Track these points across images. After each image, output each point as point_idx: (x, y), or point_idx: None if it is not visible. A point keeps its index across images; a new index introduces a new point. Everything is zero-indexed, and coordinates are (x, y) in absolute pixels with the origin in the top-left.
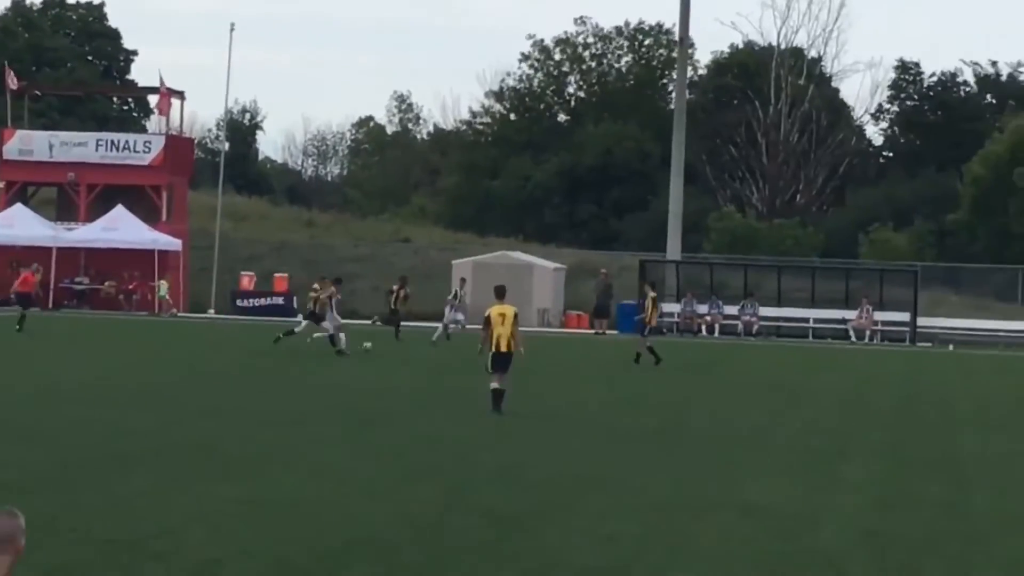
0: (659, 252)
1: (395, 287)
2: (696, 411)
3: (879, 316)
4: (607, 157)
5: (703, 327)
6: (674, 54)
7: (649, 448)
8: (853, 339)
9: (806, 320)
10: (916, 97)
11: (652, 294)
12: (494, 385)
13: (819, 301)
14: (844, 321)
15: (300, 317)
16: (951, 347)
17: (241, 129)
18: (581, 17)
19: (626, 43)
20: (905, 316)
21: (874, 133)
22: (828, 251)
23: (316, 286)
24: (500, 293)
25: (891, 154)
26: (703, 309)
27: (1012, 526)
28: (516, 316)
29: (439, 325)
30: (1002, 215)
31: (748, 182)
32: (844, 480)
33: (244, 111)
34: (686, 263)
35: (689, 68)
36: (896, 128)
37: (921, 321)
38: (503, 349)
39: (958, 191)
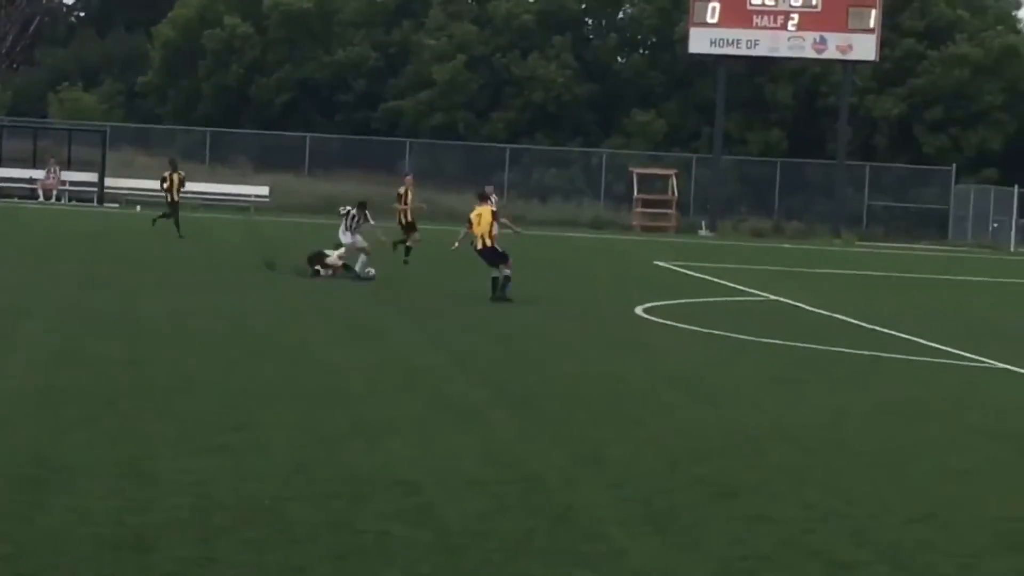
0: None
1: (167, 173)
2: None
3: (67, 176)
4: None
5: None
6: None
7: None
8: (41, 199)
9: None
10: None
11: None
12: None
13: (6, 160)
14: (32, 181)
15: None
16: (139, 208)
17: None
18: None
19: None
20: (93, 176)
21: None
22: (17, 110)
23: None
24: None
25: (82, 14)
26: None
27: (186, 385)
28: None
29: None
30: (192, 77)
31: None
32: (23, 337)
33: None
34: None
35: None
36: None
37: (109, 182)
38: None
39: (149, 53)
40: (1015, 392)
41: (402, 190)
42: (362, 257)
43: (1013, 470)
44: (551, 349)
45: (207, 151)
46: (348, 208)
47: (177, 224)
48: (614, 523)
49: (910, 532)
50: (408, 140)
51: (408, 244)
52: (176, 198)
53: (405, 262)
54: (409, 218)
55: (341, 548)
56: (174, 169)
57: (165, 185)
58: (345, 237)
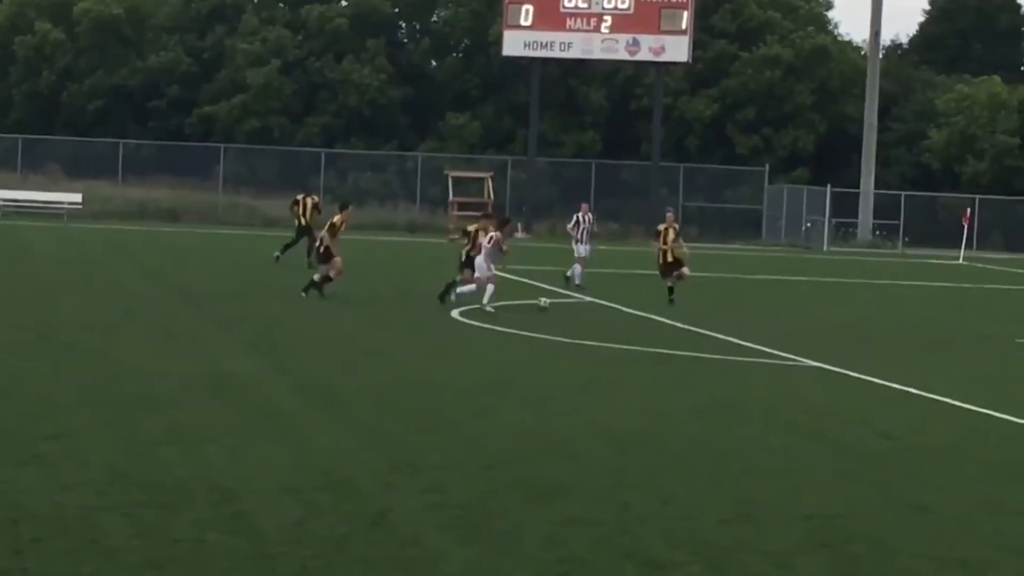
0: None
1: (300, 196)
2: None
3: None
4: None
5: None
6: None
7: None
8: None
9: None
10: None
11: (312, 198)
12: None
13: None
14: None
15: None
16: None
17: None
18: None
19: None
20: None
21: None
22: None
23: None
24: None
25: None
26: None
27: None
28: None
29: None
30: (3, 84)
31: None
32: None
33: None
34: None
35: None
36: None
37: None
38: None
39: None
40: (828, 390)
41: (662, 227)
42: (490, 287)
43: (825, 468)
44: (367, 354)
45: (19, 158)
46: (491, 235)
47: (309, 250)
48: (430, 528)
49: (725, 531)
50: (222, 145)
51: (670, 284)
52: (308, 222)
53: (671, 301)
54: (671, 258)
55: (156, 557)
56: (307, 193)
57: (296, 209)
58: (482, 267)
